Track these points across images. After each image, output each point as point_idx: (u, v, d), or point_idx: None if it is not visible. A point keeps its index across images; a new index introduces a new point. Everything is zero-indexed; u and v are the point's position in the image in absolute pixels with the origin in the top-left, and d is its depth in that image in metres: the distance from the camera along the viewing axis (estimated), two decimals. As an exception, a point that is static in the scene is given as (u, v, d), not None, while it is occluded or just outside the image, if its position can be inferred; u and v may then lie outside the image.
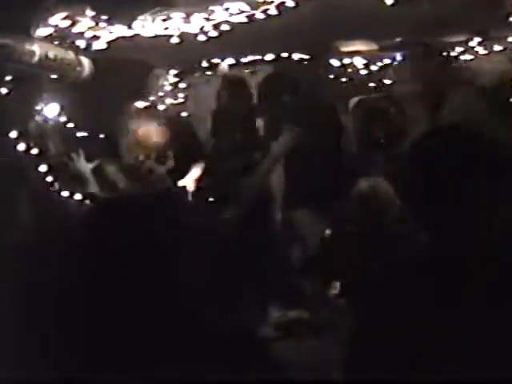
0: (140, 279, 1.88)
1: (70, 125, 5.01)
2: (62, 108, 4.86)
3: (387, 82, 5.95)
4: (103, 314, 1.84)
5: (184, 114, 5.83)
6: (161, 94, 5.81)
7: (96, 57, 4.81)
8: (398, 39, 5.82)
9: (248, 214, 5.14)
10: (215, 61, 5.76)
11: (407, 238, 3.57)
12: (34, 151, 4.59)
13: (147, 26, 4.59)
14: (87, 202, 4.80)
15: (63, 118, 4.90)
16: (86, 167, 4.86)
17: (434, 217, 2.02)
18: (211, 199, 5.27)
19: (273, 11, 4.50)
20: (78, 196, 4.81)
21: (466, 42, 5.69)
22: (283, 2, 4.46)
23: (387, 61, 5.90)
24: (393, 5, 4.40)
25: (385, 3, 4.40)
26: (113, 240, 1.98)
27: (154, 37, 4.64)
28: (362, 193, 4.38)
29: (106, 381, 1.78)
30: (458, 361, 1.79)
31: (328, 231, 4.94)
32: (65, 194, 4.77)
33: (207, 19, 4.61)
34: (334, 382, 2.01)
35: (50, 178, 4.68)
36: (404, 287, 1.96)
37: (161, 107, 5.59)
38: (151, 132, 4.95)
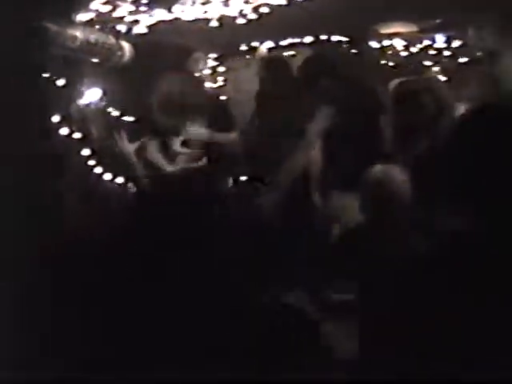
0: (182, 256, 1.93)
1: (111, 108, 5.06)
2: (104, 92, 4.91)
3: (427, 63, 5.89)
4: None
5: (223, 97, 5.84)
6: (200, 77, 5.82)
7: (137, 41, 4.85)
8: (438, 20, 5.76)
9: (285, 198, 5.15)
10: (254, 44, 5.76)
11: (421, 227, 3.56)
12: (77, 135, 4.65)
13: (187, 9, 4.63)
14: (130, 184, 4.85)
15: (104, 102, 4.95)
16: (128, 148, 4.88)
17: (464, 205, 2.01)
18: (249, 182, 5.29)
19: (312, -7, 4.50)
20: (120, 179, 4.86)
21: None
22: (323, -16, 4.46)
23: (427, 42, 5.84)
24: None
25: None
26: (156, 219, 2.04)
27: (193, 20, 4.67)
28: (375, 179, 4.34)
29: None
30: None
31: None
32: (107, 177, 4.83)
33: (246, 2, 4.62)
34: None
35: (92, 162, 4.74)
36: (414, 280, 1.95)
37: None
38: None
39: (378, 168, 4.30)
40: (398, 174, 4.25)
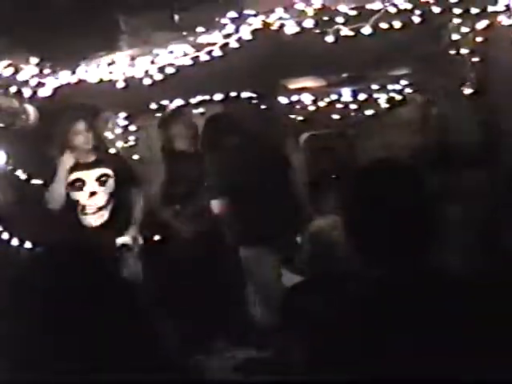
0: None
1: (19, 171, 4.97)
2: (9, 155, 4.82)
3: (336, 117, 6.03)
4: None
5: (135, 156, 5.80)
6: (111, 136, 5.79)
7: (41, 104, 4.79)
8: (345, 75, 5.92)
9: (200, 252, 5.15)
10: (164, 102, 5.77)
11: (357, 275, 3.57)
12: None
13: (92, 71, 4.61)
14: (38, 249, 4.73)
15: (11, 166, 4.86)
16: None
17: (384, 252, 2.04)
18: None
19: (217, 52, 4.55)
20: (28, 244, 4.75)
21: (410, 74, 5.81)
22: (227, 43, 4.52)
23: (334, 96, 5.99)
24: (334, 42, 4.48)
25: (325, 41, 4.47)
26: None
27: (99, 82, 4.65)
28: (316, 231, 4.35)
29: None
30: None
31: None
32: (14, 242, 4.71)
33: (152, 62, 4.63)
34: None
35: (-1, 228, 4.63)
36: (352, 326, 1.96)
37: (112, 151, 5.55)
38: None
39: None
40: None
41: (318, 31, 4.50)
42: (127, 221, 5.07)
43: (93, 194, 4.97)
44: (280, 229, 5.00)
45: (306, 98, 6.05)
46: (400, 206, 2.03)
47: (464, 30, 4.87)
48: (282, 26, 4.48)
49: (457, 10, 4.51)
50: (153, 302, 3.56)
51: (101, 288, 2.21)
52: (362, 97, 5.95)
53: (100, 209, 4.97)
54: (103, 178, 5.02)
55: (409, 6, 4.36)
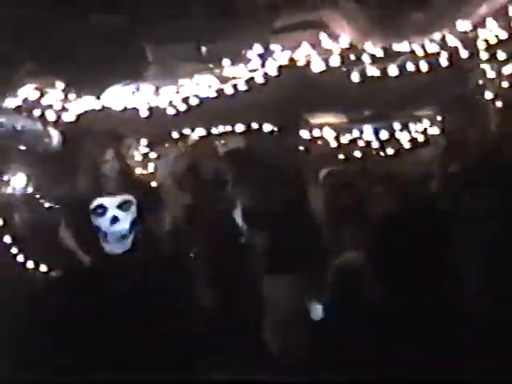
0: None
1: (39, 195, 4.98)
2: (29, 178, 4.83)
3: (357, 154, 6.01)
4: None
5: (154, 183, 5.80)
6: (131, 163, 5.79)
7: (65, 128, 4.81)
8: (367, 112, 5.91)
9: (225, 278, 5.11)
10: (186, 131, 5.77)
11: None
12: (-1, 222, 4.55)
13: (116, 98, 4.63)
14: (53, 273, 4.73)
15: (30, 189, 4.87)
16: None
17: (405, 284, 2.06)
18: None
19: (242, 86, 4.57)
20: (43, 267, 4.74)
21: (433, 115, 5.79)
22: (252, 78, 4.53)
23: (356, 133, 5.97)
24: (360, 82, 4.49)
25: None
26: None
27: (123, 110, 4.67)
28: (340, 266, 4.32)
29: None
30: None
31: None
32: (30, 265, 4.70)
33: (176, 92, 4.65)
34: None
35: (14, 250, 4.62)
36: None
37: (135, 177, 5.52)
38: None
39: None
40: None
41: (344, 69, 4.52)
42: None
43: (115, 220, 4.88)
44: (306, 262, 4.97)
45: (328, 134, 6.04)
46: (421, 243, 2.06)
47: (490, 74, 4.85)
48: (308, 62, 4.49)
49: (484, 55, 4.51)
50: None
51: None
52: (383, 135, 5.92)
53: (123, 237, 4.90)
54: (126, 205, 4.90)
55: (436, 49, 4.36)
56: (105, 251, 4.82)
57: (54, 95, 4.51)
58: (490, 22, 4.28)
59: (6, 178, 4.72)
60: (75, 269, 4.67)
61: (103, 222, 4.81)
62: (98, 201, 4.85)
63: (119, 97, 4.62)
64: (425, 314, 2.01)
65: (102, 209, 4.84)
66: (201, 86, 4.58)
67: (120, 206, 4.88)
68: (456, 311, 2.05)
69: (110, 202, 4.89)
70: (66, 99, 4.52)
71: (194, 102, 4.64)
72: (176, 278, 4.76)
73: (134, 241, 4.79)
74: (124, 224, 4.85)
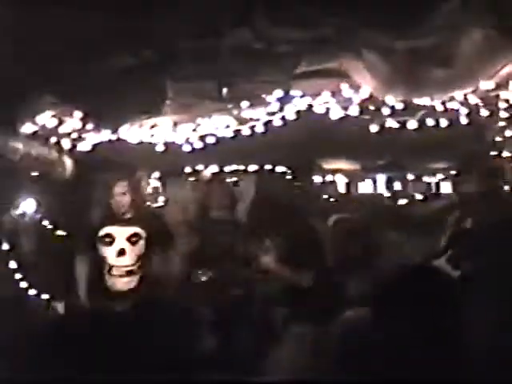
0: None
1: (45, 222, 4.95)
2: (39, 204, 4.81)
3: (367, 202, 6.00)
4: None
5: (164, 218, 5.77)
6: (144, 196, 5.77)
7: (80, 157, 4.80)
8: (381, 162, 5.91)
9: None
10: (199, 167, 5.78)
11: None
12: (5, 246, 4.51)
13: (133, 131, 4.63)
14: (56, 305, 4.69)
15: (39, 215, 4.85)
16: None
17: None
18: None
19: (260, 128, 4.56)
20: (45, 296, 4.70)
21: (447, 169, 5.78)
22: (270, 121, 4.53)
23: (369, 182, 5.97)
24: (377, 132, 4.48)
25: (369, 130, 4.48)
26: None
27: (139, 143, 4.66)
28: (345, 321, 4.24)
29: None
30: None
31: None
32: (32, 292, 4.66)
33: (194, 130, 4.65)
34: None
35: (18, 275, 4.59)
36: None
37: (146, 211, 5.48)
38: None
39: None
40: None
41: (364, 118, 4.52)
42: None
43: (121, 252, 4.70)
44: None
45: (340, 180, 6.04)
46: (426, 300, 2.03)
47: (508, 133, 4.85)
48: (327, 109, 4.49)
49: (504, 114, 4.51)
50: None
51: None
52: (397, 186, 5.92)
53: (129, 273, 4.69)
54: (134, 238, 4.77)
55: (456, 106, 4.36)
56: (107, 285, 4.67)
57: (72, 124, 4.49)
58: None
59: (16, 203, 4.69)
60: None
61: (109, 253, 4.66)
62: (106, 229, 4.74)
63: (137, 130, 4.61)
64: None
65: (110, 238, 4.72)
66: (219, 125, 4.57)
67: (129, 239, 4.75)
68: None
69: (119, 233, 4.78)
70: (83, 129, 4.51)
71: (210, 140, 4.63)
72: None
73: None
74: (131, 258, 4.68)
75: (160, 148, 4.69)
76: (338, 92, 4.43)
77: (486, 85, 4.13)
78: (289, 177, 5.92)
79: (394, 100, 4.35)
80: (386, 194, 5.99)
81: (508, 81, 4.25)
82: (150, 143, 4.68)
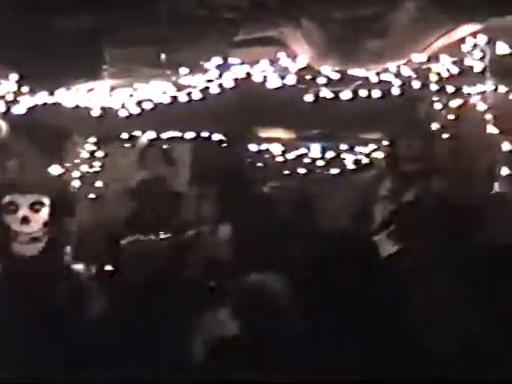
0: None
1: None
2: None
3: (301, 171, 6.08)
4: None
5: (99, 183, 5.75)
6: (77, 160, 5.72)
7: (14, 121, 4.74)
8: (316, 131, 5.99)
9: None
10: (135, 133, 5.75)
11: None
12: None
13: (70, 95, 4.60)
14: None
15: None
16: None
17: None
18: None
19: (197, 95, 4.59)
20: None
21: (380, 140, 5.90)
22: (207, 88, 4.56)
23: (304, 150, 6.04)
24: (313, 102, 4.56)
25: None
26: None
27: (75, 107, 4.63)
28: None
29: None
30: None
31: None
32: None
33: (131, 95, 4.65)
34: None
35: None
36: None
37: (75, 174, 5.48)
38: None
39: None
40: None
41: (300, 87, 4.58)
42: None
43: (25, 220, 4.59)
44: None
45: (275, 149, 6.10)
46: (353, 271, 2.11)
47: (438, 106, 4.99)
48: (265, 78, 4.54)
49: (434, 87, 4.64)
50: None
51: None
52: (329, 155, 6.02)
53: (34, 239, 4.58)
54: (37, 206, 4.64)
55: (389, 78, 4.47)
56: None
57: (7, 86, 4.43)
58: (443, 56, 4.41)
59: None
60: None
61: (13, 221, 4.57)
62: (9, 197, 4.59)
63: (73, 94, 4.58)
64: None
65: (14, 206, 4.60)
66: (156, 91, 4.58)
67: (31, 207, 4.61)
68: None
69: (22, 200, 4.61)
70: (18, 92, 4.46)
71: (147, 106, 4.63)
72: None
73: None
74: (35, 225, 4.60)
75: (96, 112, 4.66)
76: (275, 61, 4.50)
77: (419, 57, 4.25)
78: (225, 144, 5.94)
79: (329, 70, 4.44)
80: (320, 162, 6.08)
81: (439, 54, 4.40)
82: (86, 107, 4.65)
